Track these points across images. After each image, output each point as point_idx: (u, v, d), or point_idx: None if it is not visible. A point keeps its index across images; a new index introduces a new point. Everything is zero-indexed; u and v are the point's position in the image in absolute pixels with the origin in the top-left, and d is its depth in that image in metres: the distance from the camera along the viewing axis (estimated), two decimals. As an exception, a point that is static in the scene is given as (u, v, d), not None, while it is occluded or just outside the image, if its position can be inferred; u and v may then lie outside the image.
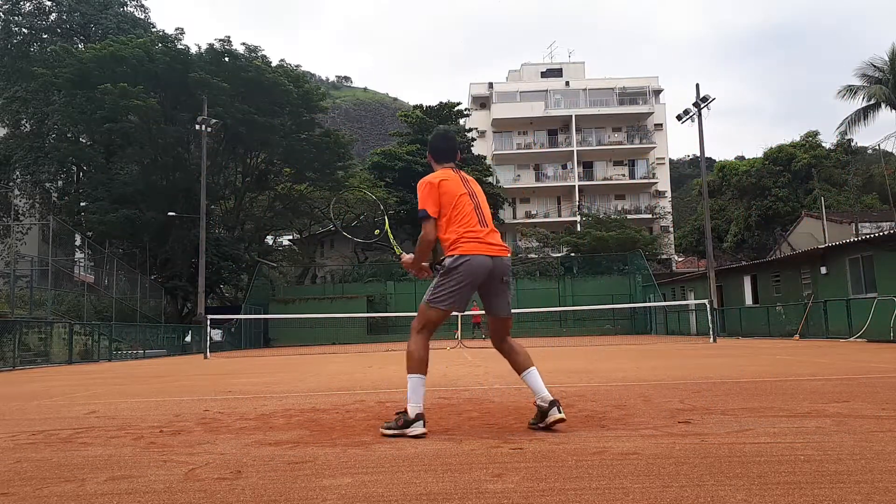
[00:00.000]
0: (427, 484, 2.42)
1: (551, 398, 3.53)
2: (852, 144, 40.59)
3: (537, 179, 55.52)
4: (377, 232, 4.68)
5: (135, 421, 4.55)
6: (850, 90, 34.24)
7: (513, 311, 3.95)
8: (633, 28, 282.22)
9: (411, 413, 3.48)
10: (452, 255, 3.57)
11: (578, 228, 46.87)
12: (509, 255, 3.74)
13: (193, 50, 35.90)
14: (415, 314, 3.78)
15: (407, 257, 3.91)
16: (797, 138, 41.68)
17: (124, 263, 29.79)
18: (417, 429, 3.45)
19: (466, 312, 27.83)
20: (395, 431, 3.48)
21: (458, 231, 3.61)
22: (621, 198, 54.60)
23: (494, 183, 48.31)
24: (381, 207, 5.72)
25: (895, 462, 2.56)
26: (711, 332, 18.97)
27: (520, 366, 3.68)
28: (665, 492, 2.21)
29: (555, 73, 58.57)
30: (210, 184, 32.48)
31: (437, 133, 4.11)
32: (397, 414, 3.59)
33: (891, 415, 3.75)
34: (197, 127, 29.41)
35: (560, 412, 3.47)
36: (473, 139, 48.75)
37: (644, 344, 18.51)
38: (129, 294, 28.61)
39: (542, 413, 3.52)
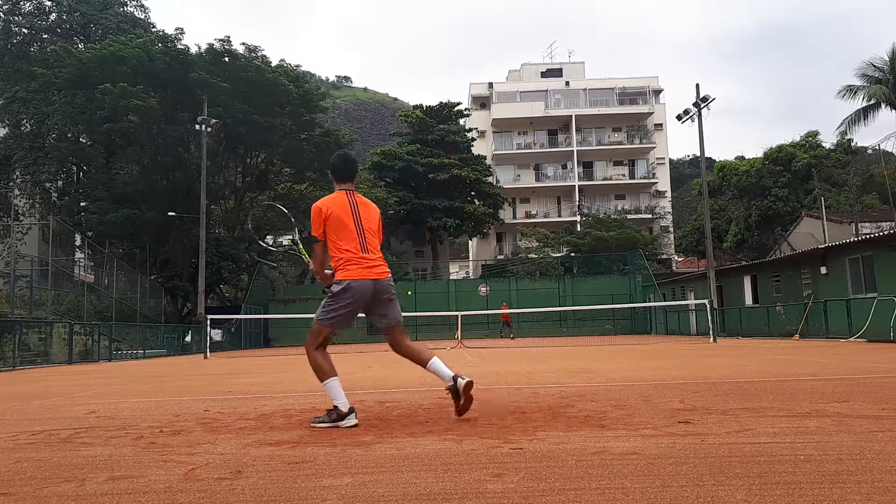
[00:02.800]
0: (427, 484, 2.42)
1: (452, 374, 3.95)
2: (852, 144, 40.60)
3: (537, 179, 55.47)
4: (287, 242, 4.88)
5: (135, 421, 4.55)
6: (850, 90, 34.24)
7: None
8: (633, 28, 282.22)
9: (343, 409, 3.87)
10: (338, 281, 4.00)
11: (578, 228, 46.86)
12: (389, 276, 4.11)
13: (193, 50, 35.92)
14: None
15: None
16: (797, 138, 41.73)
17: (124, 263, 29.78)
18: (351, 420, 3.85)
19: (494, 311, 27.86)
20: (329, 424, 3.85)
21: (343, 255, 4.01)
22: (621, 198, 54.57)
23: (494, 183, 48.28)
24: (292, 220, 5.45)
25: (895, 462, 2.56)
26: (711, 332, 18.97)
27: (423, 359, 4.08)
28: (665, 492, 2.21)
29: (555, 73, 58.53)
30: (210, 184, 32.49)
31: (338, 155, 4.33)
32: (329, 411, 3.95)
33: (891, 415, 3.75)
34: (197, 127, 29.42)
35: (465, 378, 3.92)
36: (473, 139, 48.74)
37: (644, 344, 18.50)
38: (129, 294, 28.60)
39: (455, 391, 3.94)
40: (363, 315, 4.20)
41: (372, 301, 4.06)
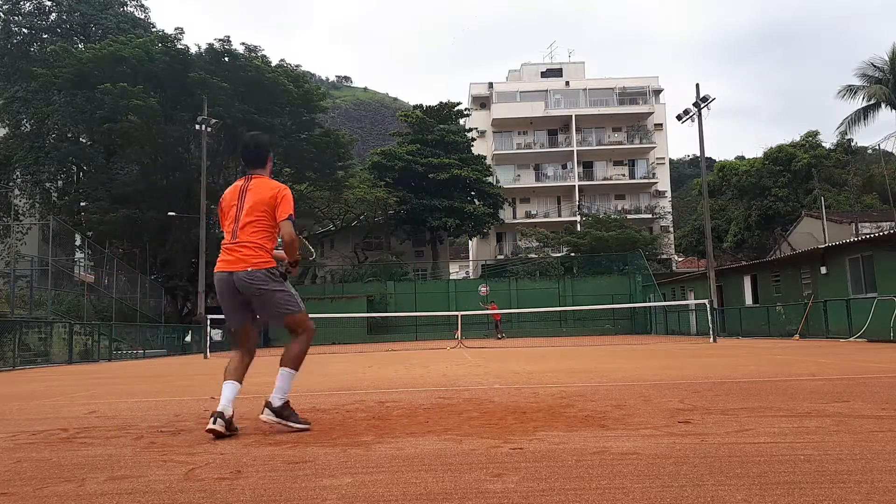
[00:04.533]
0: (427, 484, 2.42)
1: (223, 411, 3.59)
2: (852, 144, 40.62)
3: (537, 179, 55.46)
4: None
5: (135, 421, 4.55)
6: (850, 90, 34.26)
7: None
8: (633, 28, 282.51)
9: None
10: None
11: (578, 228, 46.86)
12: (249, 268, 3.68)
13: (193, 50, 35.91)
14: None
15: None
16: (797, 138, 41.74)
17: (124, 263, 29.79)
18: (214, 423, 3.55)
19: (493, 311, 27.67)
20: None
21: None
22: (621, 198, 54.57)
23: (494, 183, 48.29)
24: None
25: (895, 462, 2.56)
26: (711, 332, 18.96)
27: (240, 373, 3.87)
28: (665, 492, 2.21)
29: (555, 73, 58.51)
30: (210, 184, 32.45)
31: (243, 138, 4.13)
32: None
33: (891, 415, 3.75)
34: (197, 127, 29.40)
35: (214, 423, 3.54)
36: (473, 139, 48.72)
37: (644, 344, 18.50)
38: (129, 294, 28.61)
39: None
40: None
41: (241, 295, 3.73)
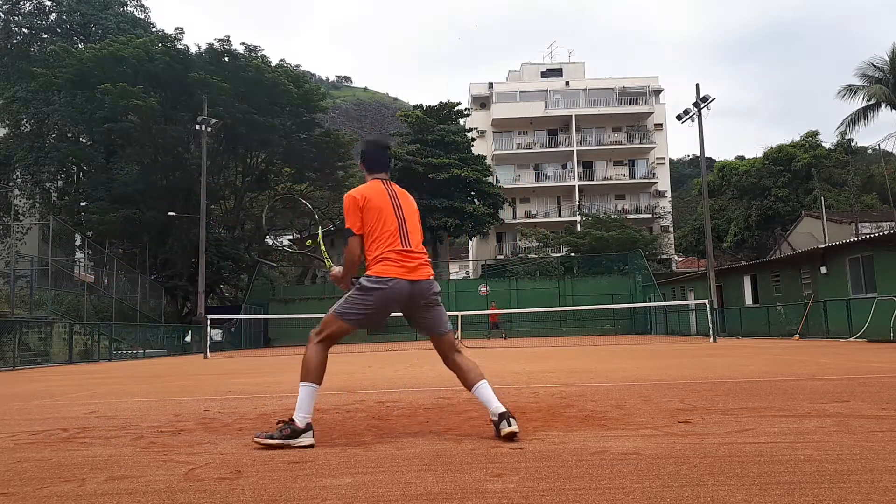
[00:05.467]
0: (427, 484, 2.42)
1: (502, 409, 3.33)
2: (852, 144, 40.62)
3: (537, 179, 55.44)
4: (309, 242, 4.46)
5: (135, 421, 4.54)
6: (850, 90, 34.26)
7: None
8: (633, 28, 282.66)
9: (300, 423, 3.26)
10: (371, 275, 3.47)
11: (578, 228, 46.85)
12: (430, 277, 3.57)
13: (193, 50, 36.00)
14: None
15: (336, 270, 3.74)
16: (797, 138, 41.74)
17: (124, 263, 29.79)
18: (305, 439, 3.24)
19: (484, 312, 27.49)
20: (278, 441, 3.22)
21: (381, 249, 3.49)
22: (621, 198, 54.55)
23: (494, 183, 48.28)
24: (316, 217, 5.11)
25: (895, 462, 2.56)
26: (711, 332, 18.96)
27: (468, 381, 3.51)
28: (665, 492, 2.21)
29: (555, 73, 58.49)
30: (210, 184, 32.49)
31: (369, 140, 3.90)
32: (280, 422, 3.35)
33: (891, 415, 3.74)
34: (197, 127, 29.43)
35: (511, 425, 3.24)
36: (473, 139, 48.69)
37: (644, 344, 18.50)
38: (129, 294, 28.61)
39: (496, 428, 3.32)
40: (400, 315, 3.68)
41: (408, 305, 3.54)
